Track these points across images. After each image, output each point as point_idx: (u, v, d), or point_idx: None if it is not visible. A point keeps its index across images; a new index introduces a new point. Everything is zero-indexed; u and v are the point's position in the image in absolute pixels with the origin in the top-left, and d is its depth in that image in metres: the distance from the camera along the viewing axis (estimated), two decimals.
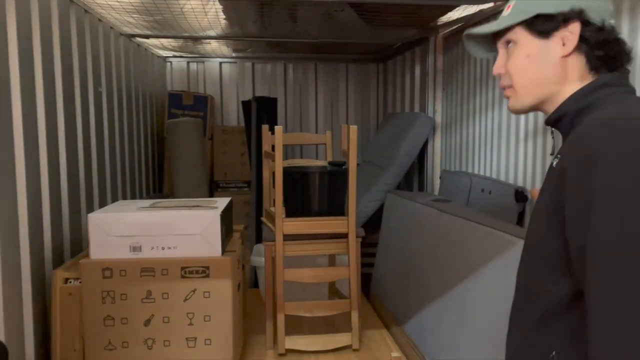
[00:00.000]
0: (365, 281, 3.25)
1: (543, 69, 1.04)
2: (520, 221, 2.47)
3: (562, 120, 1.05)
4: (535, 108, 1.10)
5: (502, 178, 2.74)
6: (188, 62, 4.76)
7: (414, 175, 3.84)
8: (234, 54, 4.58)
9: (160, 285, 1.98)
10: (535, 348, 1.02)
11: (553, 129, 1.10)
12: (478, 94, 3.06)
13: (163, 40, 3.84)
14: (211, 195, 4.31)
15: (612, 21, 0.99)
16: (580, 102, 1.01)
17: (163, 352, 1.99)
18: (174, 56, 4.69)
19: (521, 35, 1.06)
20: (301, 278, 2.47)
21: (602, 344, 0.84)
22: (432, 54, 3.60)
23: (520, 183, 2.55)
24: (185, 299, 1.99)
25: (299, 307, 2.43)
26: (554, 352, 0.98)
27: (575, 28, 1.01)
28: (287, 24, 3.00)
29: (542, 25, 1.03)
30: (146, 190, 3.97)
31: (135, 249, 2.00)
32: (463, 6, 2.98)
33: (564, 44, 1.02)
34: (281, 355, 2.38)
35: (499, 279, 1.94)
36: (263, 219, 2.77)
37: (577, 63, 1.03)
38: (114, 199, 3.08)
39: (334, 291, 2.96)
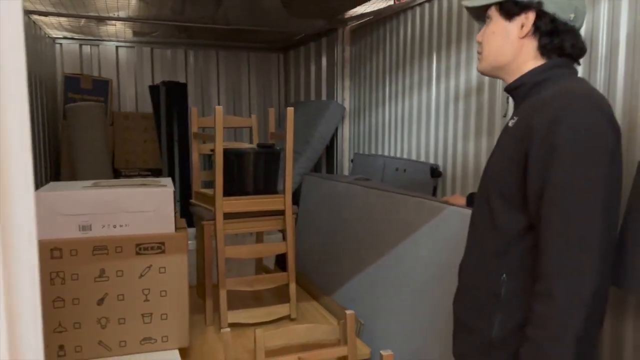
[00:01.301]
0: (284, 261, 3.40)
1: (504, 44, 1.31)
2: (434, 194, 2.79)
3: (519, 88, 1.31)
4: (494, 74, 1.39)
5: (414, 157, 3.05)
6: (81, 45, 4.50)
7: (322, 159, 4.05)
8: (134, 38, 4.43)
9: (114, 263, 1.95)
10: (490, 273, 1.27)
11: (509, 95, 1.37)
12: (387, 83, 3.35)
13: (62, 19, 3.62)
14: None
15: (571, 15, 1.24)
16: (538, 76, 1.27)
17: (117, 330, 1.97)
18: (65, 37, 4.41)
19: (493, 14, 1.32)
20: (242, 254, 2.55)
21: (553, 260, 1.11)
22: (340, 45, 3.83)
23: (432, 160, 2.87)
24: (141, 276, 1.99)
25: (240, 283, 2.51)
26: (504, 275, 1.23)
27: (531, 16, 1.26)
28: (209, 8, 3.03)
29: (509, 9, 1.29)
30: (44, 177, 3.72)
31: (85, 227, 1.95)
32: (372, 1, 3.24)
33: (522, 27, 1.27)
34: (223, 329, 2.45)
35: (430, 240, 2.21)
36: (193, 201, 2.79)
37: (531, 45, 1.29)
38: None
39: (261, 267, 3.07)
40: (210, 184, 3.37)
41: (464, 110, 2.62)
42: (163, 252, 2.01)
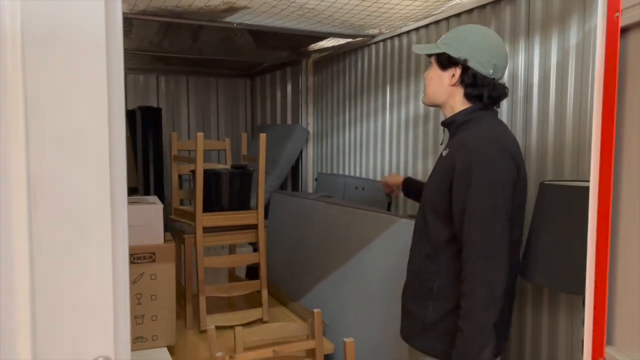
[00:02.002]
0: (254, 271, 3.70)
1: (439, 89, 1.68)
2: (389, 208, 3.17)
3: (451, 124, 1.68)
4: (436, 107, 1.76)
5: (371, 177, 3.43)
6: None
7: (288, 178, 4.40)
8: None
9: None
10: (424, 272, 1.65)
11: (445, 128, 1.73)
12: (347, 109, 3.74)
13: None
14: None
15: (490, 71, 1.60)
16: (464, 117, 1.64)
17: None
18: None
19: (434, 61, 1.69)
20: (220, 264, 2.86)
21: (473, 265, 1.48)
22: (304, 75, 4.21)
23: None
24: (134, 282, 2.27)
25: (217, 289, 2.81)
26: (435, 274, 1.60)
27: (458, 71, 1.64)
28: (187, 41, 3.35)
29: (442, 61, 1.66)
30: None
31: None
32: (331, 39, 3.63)
33: (452, 77, 1.64)
34: (203, 332, 2.73)
35: (386, 249, 2.58)
36: (173, 217, 3.08)
37: (459, 92, 1.66)
38: None
39: (234, 277, 3.37)
40: (186, 202, 3.67)
41: (413, 136, 3.02)
42: (154, 261, 2.30)
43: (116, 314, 0.86)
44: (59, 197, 0.81)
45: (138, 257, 2.27)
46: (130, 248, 2.24)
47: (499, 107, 1.73)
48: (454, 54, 1.62)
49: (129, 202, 2.38)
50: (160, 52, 3.79)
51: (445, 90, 1.66)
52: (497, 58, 1.61)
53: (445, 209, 1.56)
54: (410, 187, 2.22)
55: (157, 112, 4.18)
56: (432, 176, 1.70)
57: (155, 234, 2.33)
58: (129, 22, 2.94)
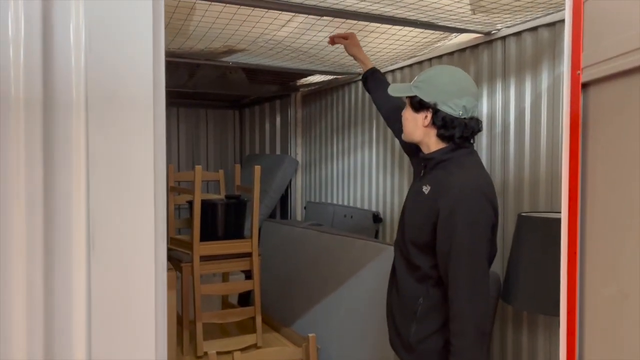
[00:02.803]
0: (245, 298, 3.81)
1: (414, 129, 1.77)
2: (376, 236, 3.33)
3: (430, 160, 1.76)
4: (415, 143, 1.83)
5: (359, 205, 3.59)
6: None
7: (277, 207, 4.54)
8: None
9: None
10: (408, 294, 1.78)
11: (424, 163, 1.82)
12: (335, 141, 3.92)
13: None
14: None
15: (460, 112, 1.71)
16: (443, 156, 1.73)
17: None
18: None
19: (408, 103, 1.77)
20: (216, 291, 2.97)
21: (460, 293, 1.62)
22: (293, 107, 4.39)
23: (374, 208, 3.42)
24: None
25: (214, 316, 2.92)
26: (421, 298, 1.74)
27: (429, 114, 1.72)
28: (183, 77, 3.51)
29: (414, 105, 1.74)
30: None
31: None
32: (319, 75, 3.82)
33: (425, 119, 1.73)
34: (199, 357, 2.83)
35: (375, 275, 2.73)
36: (170, 246, 3.19)
37: (432, 132, 1.74)
38: None
39: (227, 304, 3.47)
40: (182, 231, 3.78)
41: (399, 167, 3.20)
42: None
43: (157, 321, 1.00)
44: (113, 235, 0.95)
45: None
46: None
47: (474, 141, 1.81)
48: (424, 97, 1.72)
49: None
50: None
51: (420, 130, 1.75)
52: (465, 99, 1.69)
53: (427, 244, 1.69)
54: (373, 78, 2.22)
55: None
56: (413, 212, 1.80)
57: None
58: None
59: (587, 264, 1.23)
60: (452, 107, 1.69)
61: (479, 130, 1.76)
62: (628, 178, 1.03)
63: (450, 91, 1.70)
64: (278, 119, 4.69)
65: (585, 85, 1.26)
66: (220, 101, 5.32)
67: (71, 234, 0.93)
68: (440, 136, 1.72)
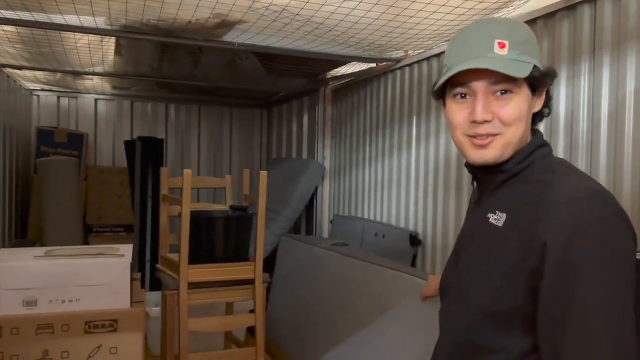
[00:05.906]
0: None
1: (527, 125, 1.00)
2: (414, 263, 2.66)
3: (499, 175, 1.01)
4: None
5: (394, 223, 2.93)
6: (58, 97, 4.42)
7: (302, 219, 3.93)
8: (114, 91, 4.36)
9: (60, 343, 1.78)
10: None
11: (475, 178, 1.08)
12: (367, 143, 3.27)
13: (37, 73, 3.54)
14: (85, 240, 3.98)
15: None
16: (516, 167, 0.99)
17: None
18: (43, 90, 4.33)
19: (523, 85, 0.97)
20: (207, 327, 2.38)
21: None
22: (321, 104, 3.78)
23: (411, 228, 2.76)
24: (89, 357, 1.81)
25: (203, 358, 2.33)
26: None
27: (544, 92, 1.01)
28: (187, 67, 2.97)
29: (539, 79, 0.98)
30: (7, 236, 3.55)
31: (30, 303, 1.79)
32: (353, 63, 3.20)
33: (539, 101, 1.01)
34: None
35: (407, 319, 2.06)
36: (159, 266, 2.63)
37: (529, 120, 1.00)
38: None
39: (230, 339, 2.88)
40: (178, 248, 3.19)
41: (444, 175, 2.53)
42: (115, 330, 1.84)
43: None
44: None
45: (95, 325, 1.82)
46: (86, 314, 1.76)
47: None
48: (539, 61, 0.99)
49: (92, 254, 1.94)
50: (162, 77, 3.43)
51: (528, 126, 1.01)
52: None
53: (515, 313, 0.94)
54: None
55: (158, 143, 3.79)
56: (480, 258, 1.03)
57: (119, 296, 1.88)
58: (117, 41, 2.57)
59: None
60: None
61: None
62: None
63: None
64: (305, 118, 4.09)
65: None
66: (246, 98, 4.78)
67: None
68: (536, 122, 1.03)
